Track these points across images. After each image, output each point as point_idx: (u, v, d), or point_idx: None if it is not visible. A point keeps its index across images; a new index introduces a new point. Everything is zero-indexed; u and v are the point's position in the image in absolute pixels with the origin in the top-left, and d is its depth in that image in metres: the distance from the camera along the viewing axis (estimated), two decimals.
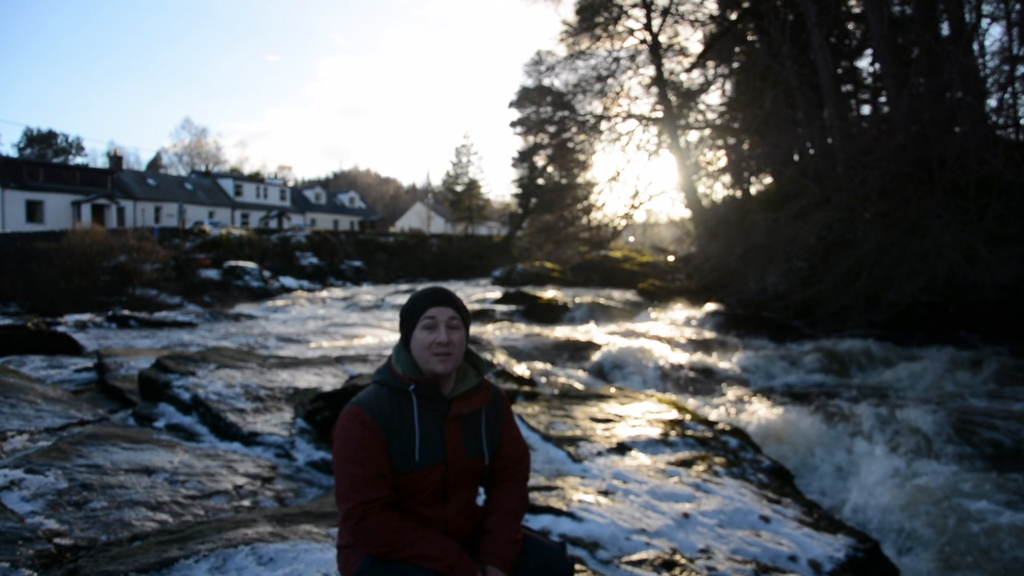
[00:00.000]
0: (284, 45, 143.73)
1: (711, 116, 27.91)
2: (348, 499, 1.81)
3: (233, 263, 30.75)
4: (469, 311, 2.04)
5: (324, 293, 29.40)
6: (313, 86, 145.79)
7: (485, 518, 2.00)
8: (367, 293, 28.44)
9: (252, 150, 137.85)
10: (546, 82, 33.97)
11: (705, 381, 9.97)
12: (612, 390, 6.91)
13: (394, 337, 14.55)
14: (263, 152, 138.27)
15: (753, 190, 23.06)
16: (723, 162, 26.26)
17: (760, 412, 7.69)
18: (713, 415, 7.41)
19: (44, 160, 55.33)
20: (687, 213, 27.93)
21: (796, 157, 18.58)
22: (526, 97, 35.21)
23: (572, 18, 30.12)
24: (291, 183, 72.41)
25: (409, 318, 1.95)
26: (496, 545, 1.92)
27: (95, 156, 71.09)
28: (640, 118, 30.69)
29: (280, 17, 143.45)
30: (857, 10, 18.76)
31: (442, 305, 1.93)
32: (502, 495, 2.03)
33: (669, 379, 10.02)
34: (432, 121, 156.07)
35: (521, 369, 8.59)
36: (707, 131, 27.59)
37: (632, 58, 29.93)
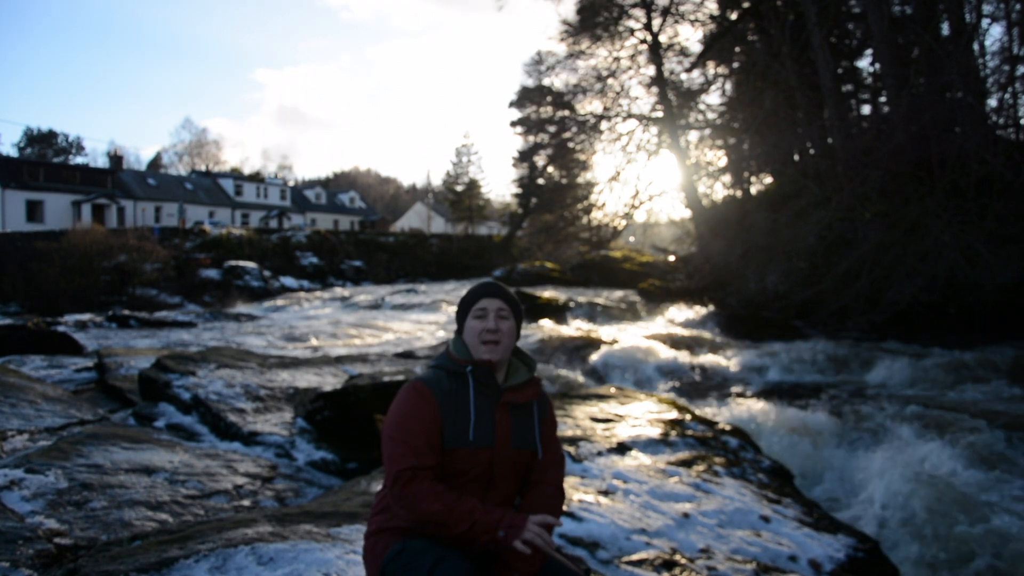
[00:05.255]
0: (263, 50, 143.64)
1: (711, 116, 27.91)
2: (398, 462, 1.87)
3: (233, 263, 30.74)
4: (521, 306, 2.14)
5: (324, 293, 29.38)
6: (295, 93, 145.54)
7: (520, 505, 2.06)
8: (367, 293, 28.42)
9: (251, 150, 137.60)
10: (546, 82, 33.97)
11: (705, 381, 9.97)
12: (612, 390, 6.90)
13: (393, 337, 14.56)
14: (261, 152, 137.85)
15: (753, 190, 23.05)
16: (723, 162, 26.25)
17: (760, 412, 7.69)
18: (713, 415, 7.41)
19: (44, 160, 55.31)
20: (687, 213, 27.91)
21: (796, 157, 18.56)
22: (526, 97, 35.18)
23: (572, 17, 30.16)
24: (291, 183, 72.39)
25: (463, 309, 2.10)
26: (540, 504, 2.02)
27: (95, 156, 70.96)
28: (640, 118, 30.70)
29: (260, 26, 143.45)
30: (857, 10, 18.74)
31: (492, 297, 2.06)
32: (531, 496, 2.07)
33: (669, 379, 10.02)
34: (432, 121, 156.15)
35: None
36: (707, 131, 27.59)
37: (632, 58, 29.94)
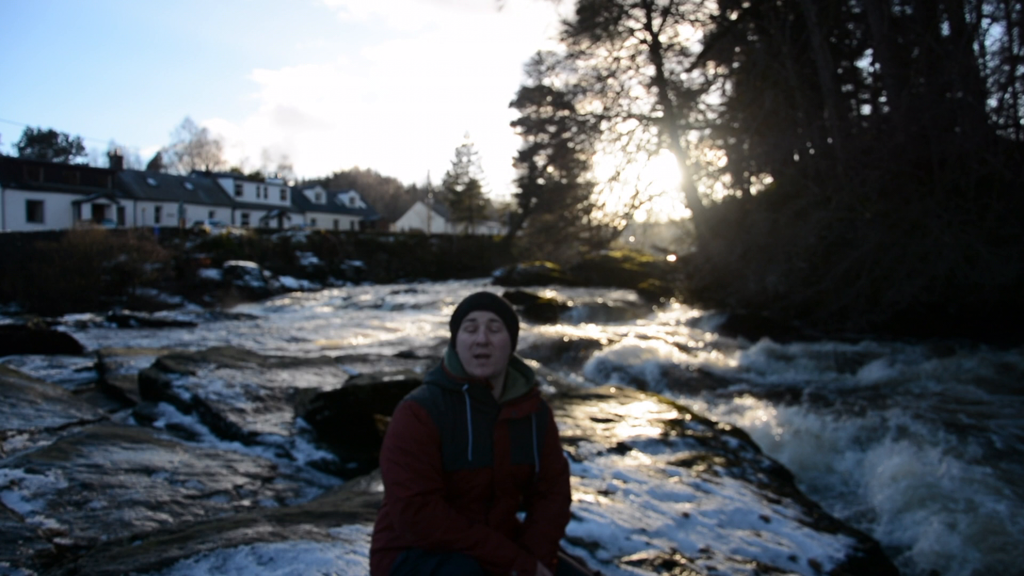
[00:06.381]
0: (261, 51, 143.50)
1: (711, 116, 27.89)
2: (407, 488, 1.82)
3: (233, 263, 30.74)
4: (515, 315, 2.07)
5: (324, 293, 29.39)
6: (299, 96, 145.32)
7: (520, 536, 2.00)
8: (367, 293, 28.43)
9: (251, 150, 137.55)
10: (546, 82, 33.94)
11: (705, 381, 9.97)
12: (612, 390, 6.90)
13: (393, 337, 14.55)
14: (260, 152, 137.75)
15: (753, 190, 23.05)
16: (723, 162, 26.26)
17: (760, 412, 7.69)
18: (713, 415, 7.41)
19: (44, 160, 55.31)
20: (687, 213, 27.90)
21: (796, 157, 18.56)
22: (526, 97, 35.15)
23: (572, 17, 30.13)
24: (291, 183, 72.36)
25: (455, 321, 2.03)
26: (551, 514, 2.00)
27: (95, 156, 71.03)
28: (640, 118, 30.67)
29: (258, 29, 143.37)
30: (857, 10, 18.75)
31: (483, 309, 2.00)
32: (538, 513, 2.04)
33: (669, 379, 10.01)
34: (432, 121, 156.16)
35: None
36: (707, 131, 27.58)
37: (632, 58, 29.91)
